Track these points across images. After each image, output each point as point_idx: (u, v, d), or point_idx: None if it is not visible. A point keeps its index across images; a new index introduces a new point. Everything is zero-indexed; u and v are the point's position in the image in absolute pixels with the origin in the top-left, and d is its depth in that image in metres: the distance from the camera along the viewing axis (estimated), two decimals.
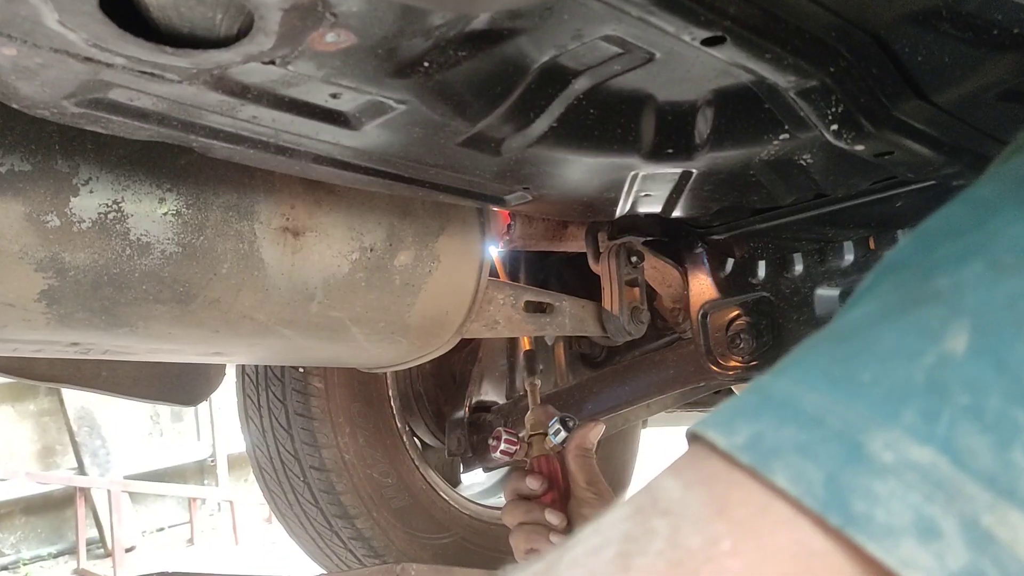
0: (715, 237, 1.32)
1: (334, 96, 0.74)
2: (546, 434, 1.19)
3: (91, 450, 6.91)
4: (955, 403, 0.30)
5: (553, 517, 1.11)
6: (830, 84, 0.75)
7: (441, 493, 1.74)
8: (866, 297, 0.36)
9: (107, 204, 0.89)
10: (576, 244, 1.38)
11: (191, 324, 1.00)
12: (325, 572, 1.75)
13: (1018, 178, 0.36)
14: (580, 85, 0.79)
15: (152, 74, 0.67)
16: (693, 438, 0.35)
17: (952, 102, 0.80)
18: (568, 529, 1.12)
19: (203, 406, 7.63)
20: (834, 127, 0.79)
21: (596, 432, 1.18)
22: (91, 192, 0.88)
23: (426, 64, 0.70)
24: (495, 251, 1.38)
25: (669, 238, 1.39)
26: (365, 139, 0.82)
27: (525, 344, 1.38)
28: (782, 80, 0.75)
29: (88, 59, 0.63)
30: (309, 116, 0.76)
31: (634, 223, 1.34)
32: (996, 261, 0.32)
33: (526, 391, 1.31)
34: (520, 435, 1.23)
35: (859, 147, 0.82)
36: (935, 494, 0.28)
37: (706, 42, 0.68)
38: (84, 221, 0.88)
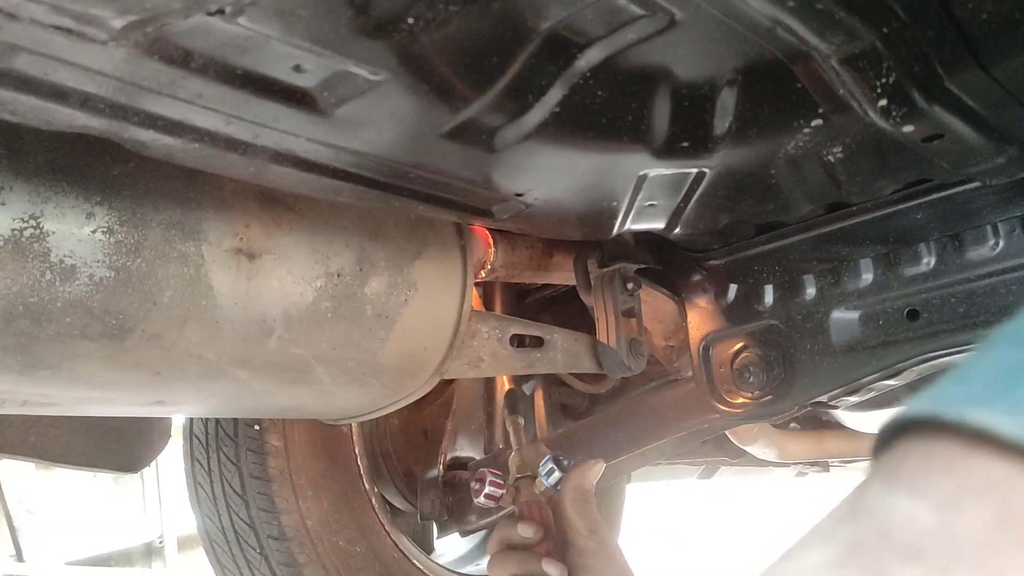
0: (715, 262, 1.21)
1: (297, 69, 0.62)
2: (535, 476, 1.04)
3: (30, 535, 6.51)
4: None
5: (552, 568, 0.96)
6: (881, 48, 0.65)
7: (415, 562, 1.57)
8: None
9: (23, 219, 0.75)
10: (562, 275, 1.26)
11: (126, 365, 0.85)
12: None
13: None
14: (588, 59, 0.67)
15: (70, 31, 0.53)
16: (919, 427, 0.22)
17: (1013, 73, 0.70)
18: None
19: (150, 484, 7.26)
20: (882, 102, 0.69)
21: (596, 471, 1.03)
22: (3, 204, 0.74)
23: (411, 21, 0.58)
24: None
25: (663, 266, 1.27)
26: (335, 129, 0.69)
27: (505, 384, 1.24)
28: (825, 43, 0.64)
29: None
30: (267, 95, 0.63)
31: (625, 250, 1.22)
32: None
33: (508, 433, 1.16)
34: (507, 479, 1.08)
35: (908, 128, 0.72)
36: None
37: None
38: None
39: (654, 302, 1.34)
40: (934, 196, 0.98)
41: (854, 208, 1.02)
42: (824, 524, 0.23)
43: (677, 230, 1.00)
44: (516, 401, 1.15)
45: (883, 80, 0.67)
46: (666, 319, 1.38)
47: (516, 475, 1.07)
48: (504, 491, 1.07)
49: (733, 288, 1.21)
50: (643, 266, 1.24)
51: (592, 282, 1.20)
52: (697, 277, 1.24)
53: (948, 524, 0.20)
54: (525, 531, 1.00)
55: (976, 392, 0.21)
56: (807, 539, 0.23)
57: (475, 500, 1.08)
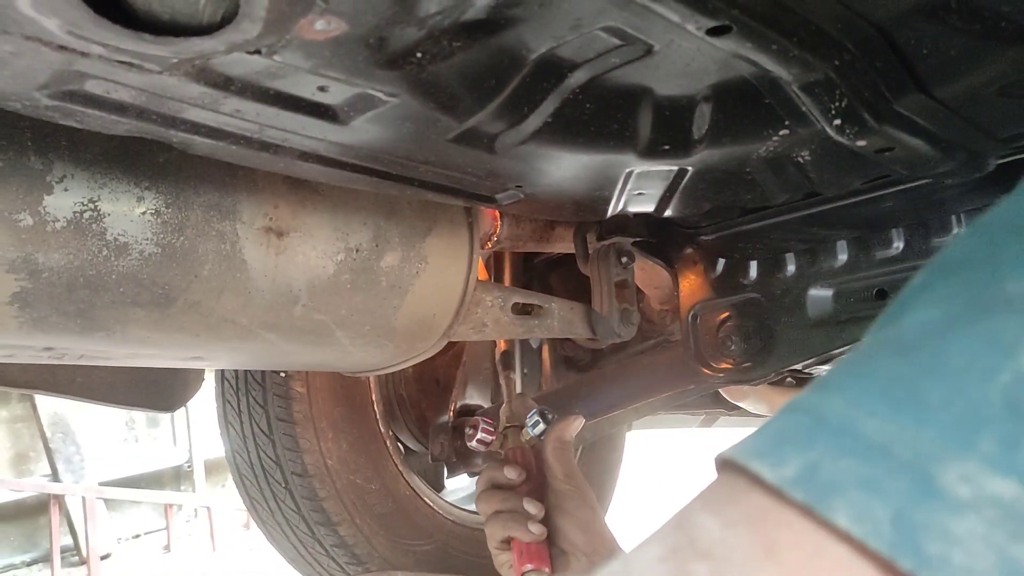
0: (705, 238, 1.30)
1: (322, 89, 0.71)
2: (522, 426, 1.17)
3: (65, 456, 6.81)
4: None
5: (531, 506, 1.09)
6: (834, 77, 0.73)
7: (425, 499, 1.71)
8: (924, 300, 0.33)
9: (83, 203, 0.86)
10: (564, 245, 1.36)
11: (170, 328, 0.97)
12: None
13: None
14: (577, 79, 0.76)
15: (130, 64, 0.63)
16: (728, 466, 0.32)
17: (953, 97, 0.78)
18: (546, 519, 1.11)
19: (180, 411, 7.53)
20: (837, 122, 0.77)
21: (576, 426, 1.16)
22: (66, 190, 0.85)
23: (419, 55, 0.67)
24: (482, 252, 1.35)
25: (658, 239, 1.36)
26: (353, 134, 0.79)
27: (501, 345, 1.36)
28: (785, 73, 0.73)
29: (62, 47, 0.60)
30: (295, 110, 0.73)
31: (623, 224, 1.31)
32: None
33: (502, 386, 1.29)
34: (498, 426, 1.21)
35: (861, 142, 0.80)
36: (1021, 532, 0.26)
37: (711, 32, 0.65)
38: (59, 220, 0.84)
39: (651, 269, 1.44)
40: (903, 187, 1.07)
41: (830, 194, 1.11)
42: (660, 529, 0.33)
43: (666, 213, 1.10)
44: (510, 360, 1.27)
45: (836, 104, 0.75)
46: (662, 285, 1.48)
47: (505, 424, 1.20)
48: (494, 437, 1.20)
49: (721, 262, 1.30)
50: (639, 239, 1.34)
51: (590, 254, 1.29)
52: (689, 250, 1.34)
53: (729, 536, 0.30)
54: (510, 473, 1.12)
55: (760, 447, 0.31)
56: (647, 540, 0.33)
57: (468, 444, 1.21)
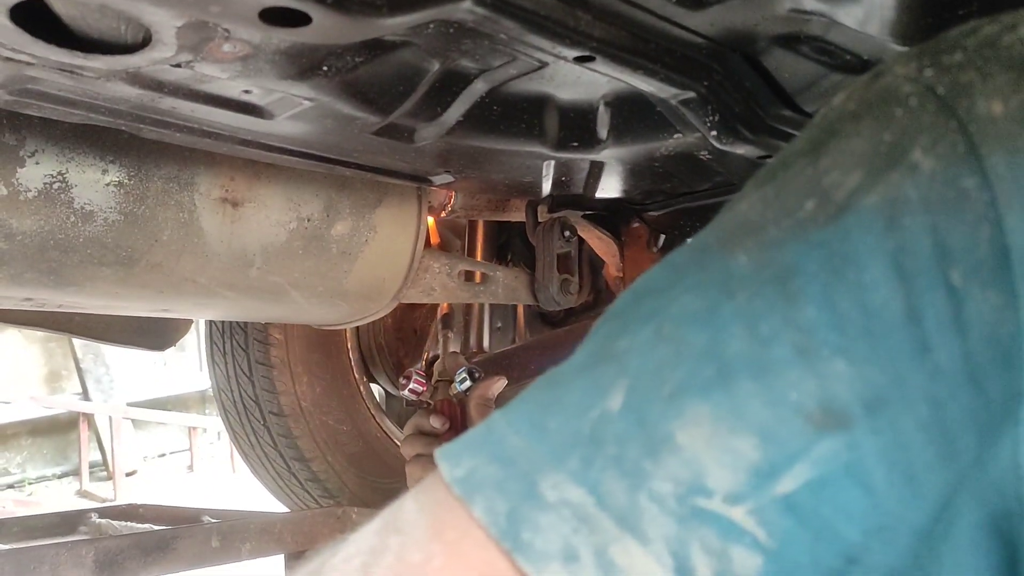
0: (651, 214, 1.38)
1: (247, 92, 0.80)
2: (452, 381, 1.27)
3: (95, 377, 7.09)
4: (606, 453, 0.36)
5: None
6: (705, 95, 0.81)
7: (396, 440, 1.84)
8: (586, 342, 0.42)
9: (52, 175, 0.96)
10: (519, 215, 1.44)
11: (135, 285, 1.08)
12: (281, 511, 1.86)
13: (703, 247, 0.41)
14: (480, 86, 0.84)
15: (71, 72, 0.73)
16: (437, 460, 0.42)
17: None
18: None
19: (205, 338, 7.76)
20: (713, 133, 0.85)
21: (498, 386, 1.25)
22: (37, 163, 0.95)
23: (325, 68, 0.76)
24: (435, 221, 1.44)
25: (609, 212, 1.45)
26: (283, 127, 0.88)
27: (444, 308, 1.45)
28: (665, 92, 0.81)
29: (9, 59, 0.70)
30: (225, 107, 0.82)
31: (575, 197, 1.39)
32: (660, 329, 0.37)
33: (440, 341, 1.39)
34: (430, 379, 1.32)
35: (739, 150, 0.88)
36: (580, 527, 0.35)
37: (578, 60, 0.73)
38: (30, 190, 0.95)
39: (606, 239, 1.53)
40: None
41: None
42: (386, 510, 0.43)
43: (599, 195, 1.18)
44: (450, 320, 1.37)
45: (710, 118, 0.83)
46: (617, 254, 1.57)
47: (437, 378, 1.30)
48: (424, 389, 1.30)
49: (662, 237, 1.39)
50: (591, 211, 1.43)
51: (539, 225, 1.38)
52: (635, 224, 1.42)
53: (417, 518, 0.39)
54: (435, 422, 1.23)
55: (451, 449, 0.41)
56: (379, 516, 0.43)
57: (400, 393, 1.32)
